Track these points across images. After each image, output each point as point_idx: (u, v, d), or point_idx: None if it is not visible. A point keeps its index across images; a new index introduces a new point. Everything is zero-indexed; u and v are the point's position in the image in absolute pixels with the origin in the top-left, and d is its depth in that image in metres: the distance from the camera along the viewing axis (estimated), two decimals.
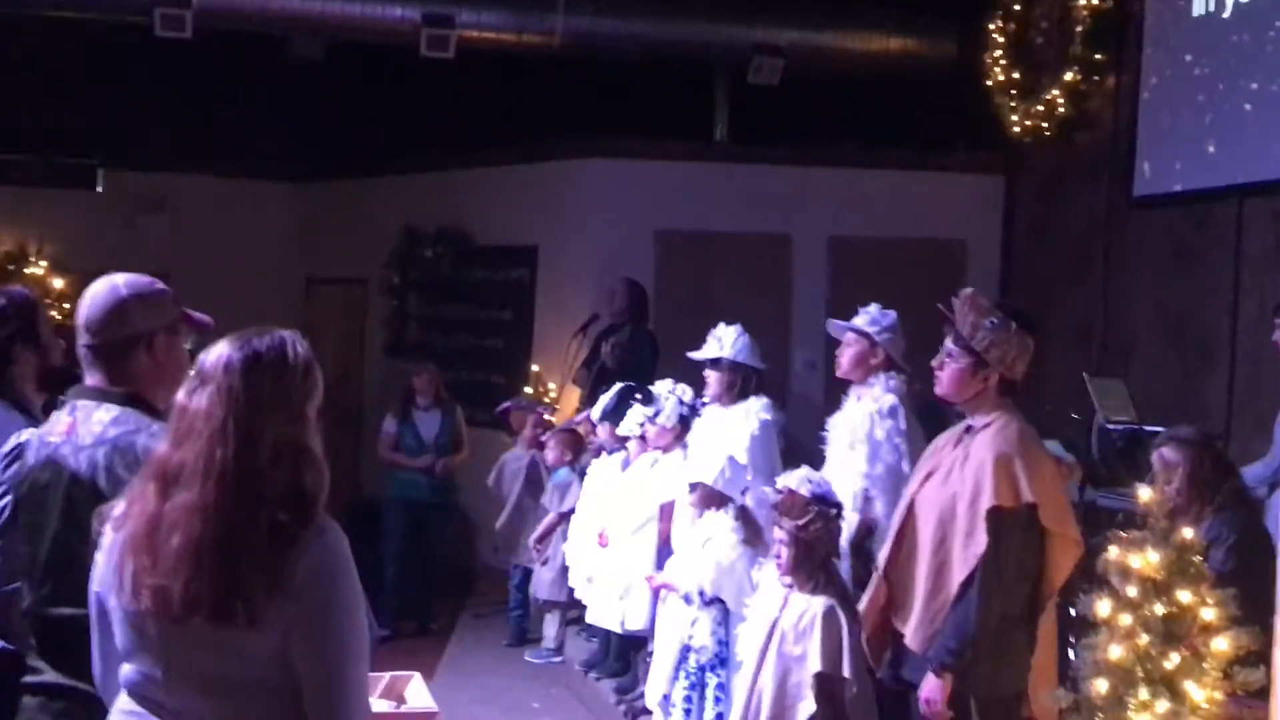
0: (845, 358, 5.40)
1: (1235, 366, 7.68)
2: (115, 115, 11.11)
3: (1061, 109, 9.20)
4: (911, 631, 4.22)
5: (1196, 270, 8.13)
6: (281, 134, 11.78)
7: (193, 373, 2.56)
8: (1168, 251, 8.39)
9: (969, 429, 4.30)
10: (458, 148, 11.12)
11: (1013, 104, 9.58)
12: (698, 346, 6.31)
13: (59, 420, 3.05)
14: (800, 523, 4.70)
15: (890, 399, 5.27)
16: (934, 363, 4.37)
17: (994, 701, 4.16)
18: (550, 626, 8.22)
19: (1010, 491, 4.04)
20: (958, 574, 4.08)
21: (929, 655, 4.13)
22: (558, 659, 8.07)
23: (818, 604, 4.67)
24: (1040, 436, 4.39)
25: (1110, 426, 6.31)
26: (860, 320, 5.40)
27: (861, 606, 4.44)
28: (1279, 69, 7.41)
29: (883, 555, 4.38)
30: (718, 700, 5.43)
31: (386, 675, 3.66)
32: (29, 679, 2.96)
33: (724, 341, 6.08)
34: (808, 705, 4.59)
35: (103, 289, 3.09)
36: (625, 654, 7.03)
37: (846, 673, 4.59)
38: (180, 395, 2.54)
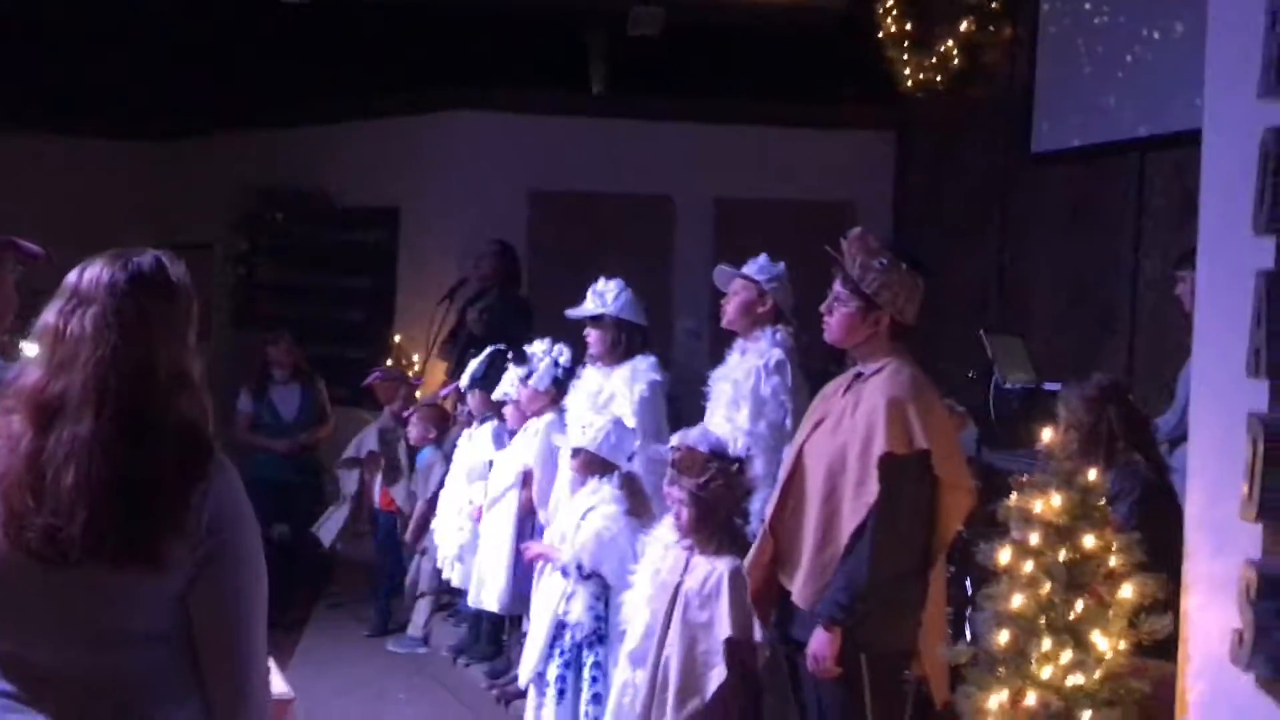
0: (731, 306, 5.39)
1: (1136, 326, 7.85)
2: None
3: (956, 61, 9.32)
4: (799, 587, 4.21)
5: (1096, 228, 8.28)
6: (117, 87, 11.43)
7: (64, 294, 2.47)
8: (1066, 209, 8.54)
9: (859, 375, 4.32)
10: (312, 101, 10.91)
11: (905, 56, 9.67)
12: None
13: None
14: (700, 481, 4.69)
15: (777, 353, 5.25)
16: (822, 308, 4.38)
17: (885, 658, 4.16)
18: (420, 614, 8.14)
19: (903, 437, 4.06)
20: (848, 525, 4.09)
21: (817, 611, 4.12)
22: (423, 649, 7.99)
23: (722, 566, 4.66)
24: None
25: (1008, 386, 6.40)
26: (749, 268, 5.39)
27: (746, 563, 4.43)
28: (1180, 17, 7.57)
29: (769, 508, 4.37)
30: (594, 680, 5.38)
31: None
32: None
33: (605, 297, 6.04)
34: (719, 672, 4.58)
35: None
36: (497, 636, 6.99)
37: (759, 637, 4.59)
38: (50, 318, 2.45)
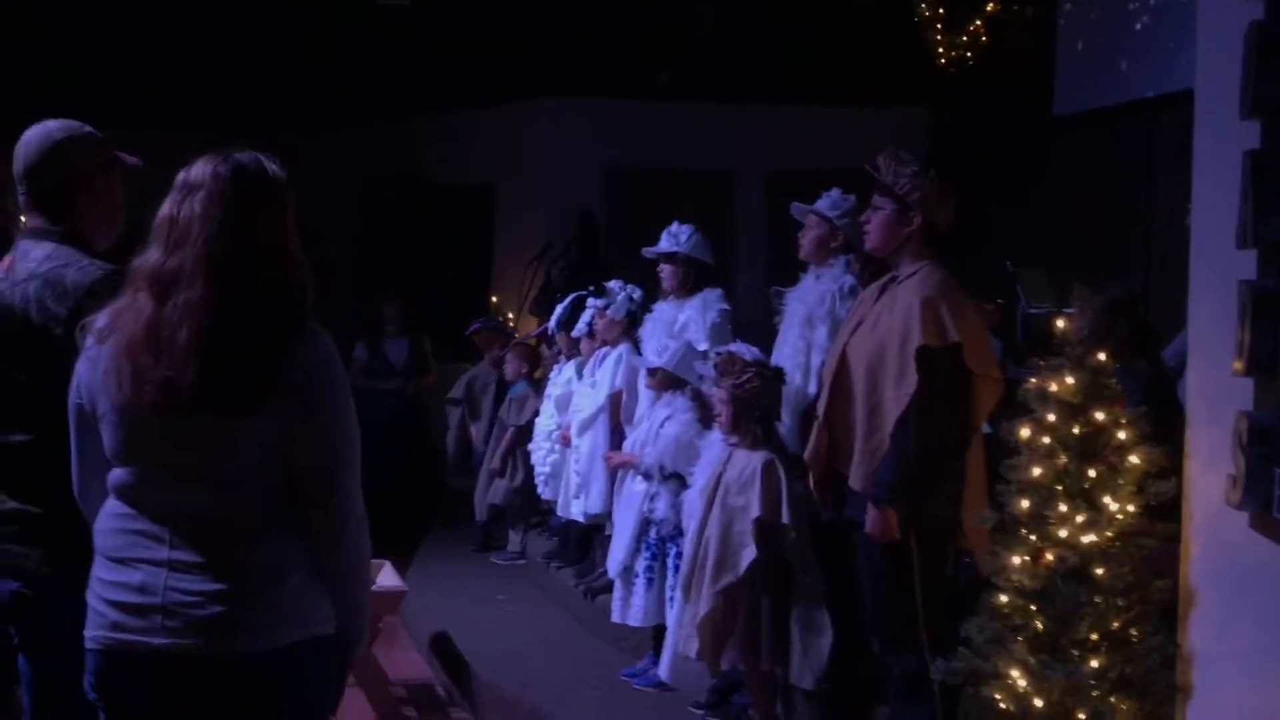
0: (807, 240, 5.33)
1: (1149, 269, 7.79)
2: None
3: (984, 39, 9.26)
4: (852, 472, 4.22)
5: (1112, 182, 8.22)
6: (241, 91, 11.56)
7: (176, 189, 2.57)
8: (1085, 167, 8.47)
9: (893, 279, 4.31)
10: (413, 96, 11.01)
11: (939, 37, 9.61)
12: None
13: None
14: (738, 381, 4.76)
15: (849, 279, 5.20)
16: (862, 218, 4.40)
17: (930, 531, 4.18)
18: (515, 533, 8.27)
19: (937, 332, 4.06)
20: (891, 414, 4.09)
21: (869, 491, 4.14)
22: (521, 561, 8.12)
23: (758, 458, 4.73)
24: None
25: (1032, 310, 6.39)
26: (822, 204, 5.35)
27: (807, 455, 4.46)
28: None
29: (821, 405, 4.39)
30: (676, 568, 5.45)
31: None
32: None
33: (679, 237, 6.09)
34: (750, 551, 4.65)
35: (35, 135, 3.07)
36: (583, 543, 7.08)
37: (785, 519, 4.65)
38: (165, 209, 2.56)
